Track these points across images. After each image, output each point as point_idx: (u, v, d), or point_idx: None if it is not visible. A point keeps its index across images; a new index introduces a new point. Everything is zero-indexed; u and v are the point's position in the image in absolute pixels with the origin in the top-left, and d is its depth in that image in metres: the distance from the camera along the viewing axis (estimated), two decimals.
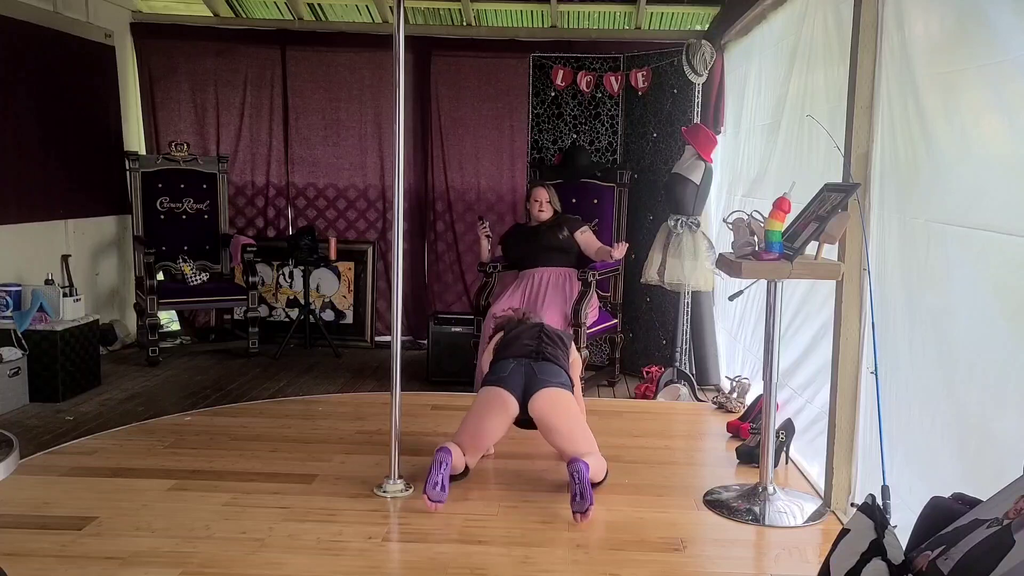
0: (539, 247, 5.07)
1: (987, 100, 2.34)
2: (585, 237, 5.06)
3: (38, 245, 5.36)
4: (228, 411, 4.48)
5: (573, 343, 3.71)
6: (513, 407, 3.16)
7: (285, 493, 3.26)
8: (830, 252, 3.05)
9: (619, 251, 4.78)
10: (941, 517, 1.82)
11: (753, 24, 4.87)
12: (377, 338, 6.51)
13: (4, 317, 4.70)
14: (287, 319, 6.51)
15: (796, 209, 3.10)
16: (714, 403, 4.62)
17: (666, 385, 4.95)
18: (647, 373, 5.14)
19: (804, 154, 3.76)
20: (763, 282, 3.23)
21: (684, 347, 5.12)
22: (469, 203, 6.61)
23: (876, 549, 1.77)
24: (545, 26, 6.59)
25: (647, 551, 2.83)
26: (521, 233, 5.23)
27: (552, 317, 4.80)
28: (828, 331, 3.23)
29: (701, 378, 5.30)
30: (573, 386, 3.35)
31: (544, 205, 5.09)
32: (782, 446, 3.60)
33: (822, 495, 3.26)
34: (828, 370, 3.21)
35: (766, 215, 3.06)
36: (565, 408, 3.21)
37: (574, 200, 5.52)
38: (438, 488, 2.78)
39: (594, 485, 3.05)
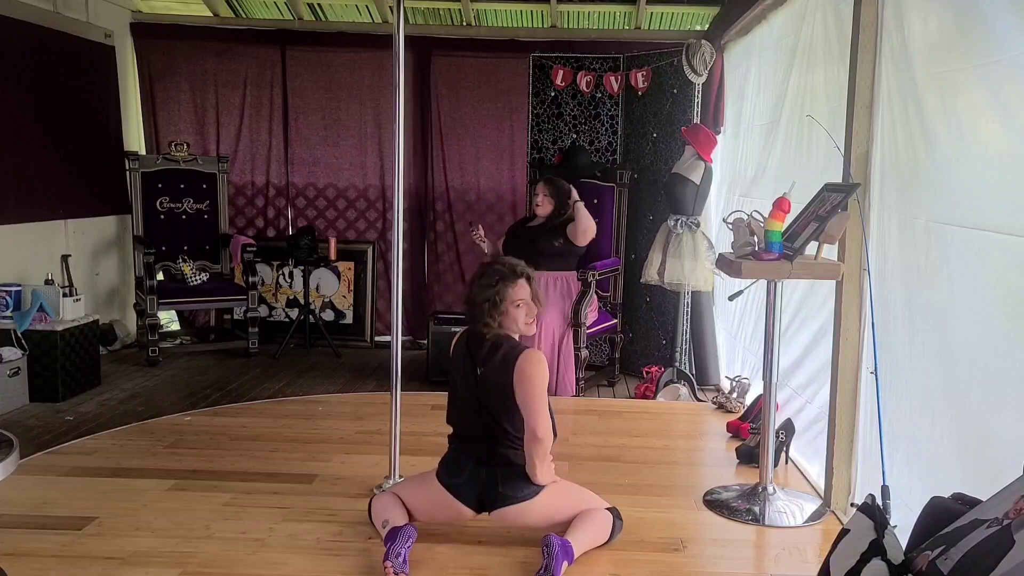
0: (536, 252, 5.05)
1: (986, 100, 2.34)
2: (571, 225, 5.06)
3: (38, 245, 5.36)
4: (228, 411, 4.48)
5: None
6: (466, 517, 2.85)
7: (285, 493, 3.26)
8: (830, 252, 3.05)
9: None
10: (941, 517, 1.83)
11: (753, 24, 4.87)
12: (377, 338, 6.51)
13: (4, 317, 4.70)
14: (287, 319, 6.51)
15: (796, 209, 3.10)
16: (714, 403, 4.62)
17: (666, 385, 4.95)
18: (647, 373, 5.14)
19: (804, 154, 3.76)
20: (763, 282, 3.23)
21: (684, 347, 5.12)
22: (469, 203, 6.62)
23: (876, 549, 1.78)
24: (545, 26, 6.60)
25: (647, 551, 2.83)
26: (517, 236, 5.20)
27: (552, 317, 4.81)
28: (828, 331, 3.23)
29: (701, 378, 5.30)
30: (539, 489, 2.78)
31: (541, 199, 5.10)
32: (782, 446, 3.60)
33: (822, 495, 3.26)
34: (828, 370, 3.21)
35: (766, 215, 3.06)
36: (537, 513, 2.79)
37: None
38: (401, 559, 2.57)
39: (600, 546, 2.81)
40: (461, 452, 2.87)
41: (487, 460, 2.80)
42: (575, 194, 5.03)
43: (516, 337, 2.86)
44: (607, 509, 2.86)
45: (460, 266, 6.63)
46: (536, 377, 2.74)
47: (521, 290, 2.82)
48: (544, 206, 5.10)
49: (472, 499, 2.79)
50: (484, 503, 2.80)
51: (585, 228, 4.96)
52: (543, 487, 2.78)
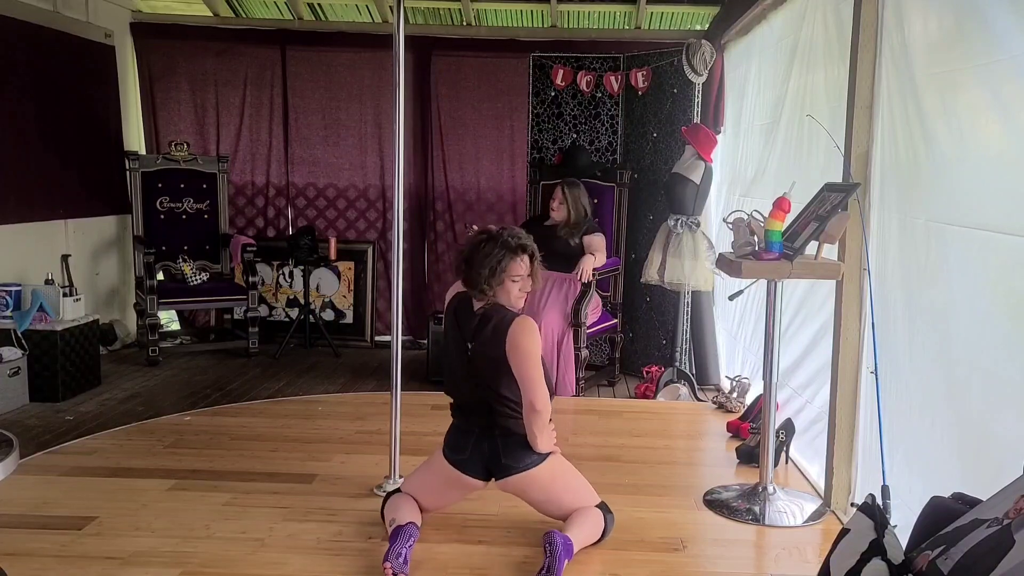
0: (549, 251, 4.99)
1: (986, 100, 2.34)
2: (588, 239, 5.05)
3: (38, 245, 5.36)
4: (228, 411, 4.48)
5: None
6: (478, 487, 2.91)
7: (285, 493, 3.26)
8: (830, 252, 3.05)
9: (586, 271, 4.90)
10: (941, 517, 1.83)
11: (753, 24, 4.87)
12: (377, 338, 6.51)
13: (4, 317, 4.70)
14: (287, 319, 6.51)
15: (796, 209, 3.10)
16: (714, 403, 4.62)
17: (666, 385, 4.95)
18: (647, 373, 5.14)
19: (804, 154, 3.76)
20: (763, 282, 3.23)
21: (684, 347, 5.12)
22: (469, 203, 6.62)
23: (876, 549, 1.78)
24: (545, 26, 6.59)
25: (647, 551, 2.83)
26: (533, 234, 5.16)
27: (553, 318, 4.81)
28: (828, 331, 3.23)
29: (701, 378, 5.30)
30: (543, 458, 2.82)
31: (557, 205, 5.09)
32: (782, 446, 3.60)
33: (822, 495, 3.26)
34: (828, 370, 3.21)
35: (766, 215, 3.06)
36: (538, 484, 2.84)
37: None
38: (401, 560, 2.55)
39: (593, 544, 2.82)
40: (462, 426, 2.91)
41: (487, 432, 2.83)
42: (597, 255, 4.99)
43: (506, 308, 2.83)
44: (597, 506, 2.88)
45: None
46: (530, 348, 2.73)
47: (521, 266, 2.83)
48: (560, 212, 5.11)
49: (479, 471, 2.85)
50: (491, 472, 2.86)
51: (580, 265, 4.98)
52: (545, 457, 2.82)
